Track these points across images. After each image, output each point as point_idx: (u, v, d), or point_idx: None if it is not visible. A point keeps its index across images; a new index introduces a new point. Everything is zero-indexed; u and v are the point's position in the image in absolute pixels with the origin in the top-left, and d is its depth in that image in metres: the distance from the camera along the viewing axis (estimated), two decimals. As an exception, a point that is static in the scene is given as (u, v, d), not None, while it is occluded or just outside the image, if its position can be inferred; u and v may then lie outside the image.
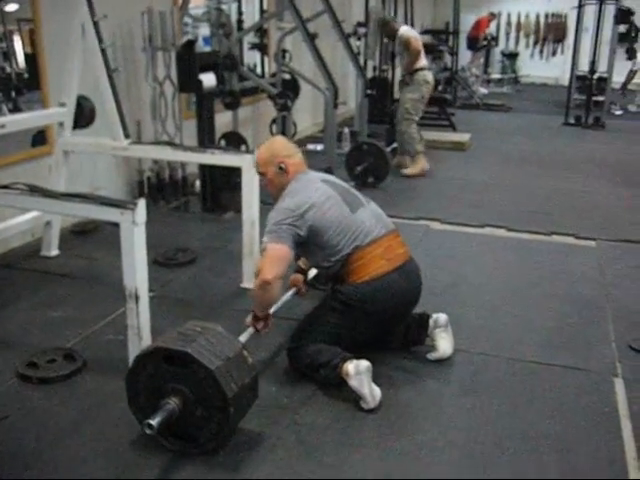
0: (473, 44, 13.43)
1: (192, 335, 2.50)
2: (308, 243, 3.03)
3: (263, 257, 2.95)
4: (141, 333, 2.90)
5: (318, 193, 3.08)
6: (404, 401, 2.96)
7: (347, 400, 2.92)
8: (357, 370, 2.82)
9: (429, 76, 7.00)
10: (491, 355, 3.37)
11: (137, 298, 2.84)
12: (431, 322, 3.26)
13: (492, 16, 14.96)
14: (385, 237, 3.12)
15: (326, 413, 2.84)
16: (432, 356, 3.27)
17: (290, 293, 3.46)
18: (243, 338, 2.89)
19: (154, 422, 2.32)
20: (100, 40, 4.13)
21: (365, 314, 3.03)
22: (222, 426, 2.45)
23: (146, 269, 2.89)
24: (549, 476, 2.50)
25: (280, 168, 3.13)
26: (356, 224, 3.07)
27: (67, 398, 2.89)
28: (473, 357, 3.34)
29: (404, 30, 7.12)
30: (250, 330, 3.01)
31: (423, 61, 7.05)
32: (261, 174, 3.26)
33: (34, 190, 2.96)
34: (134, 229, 2.74)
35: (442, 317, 3.27)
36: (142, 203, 2.76)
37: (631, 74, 12.28)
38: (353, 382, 2.83)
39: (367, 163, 6.38)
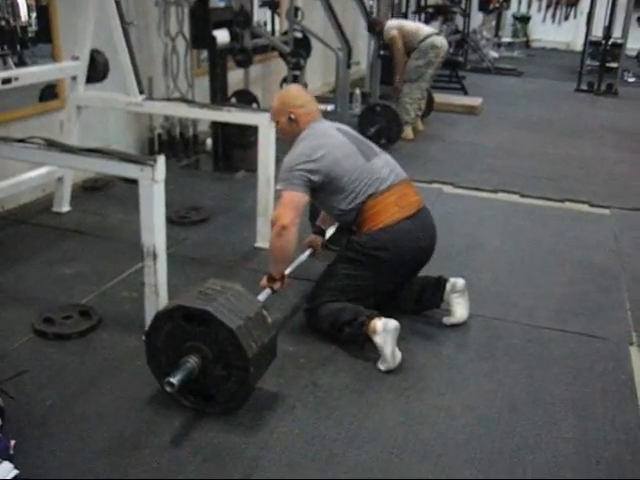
0: (485, 5, 13.17)
1: (212, 294, 2.48)
2: (323, 189, 3.02)
3: (278, 204, 2.96)
4: (158, 291, 2.87)
5: (333, 140, 3.07)
6: (421, 364, 2.96)
7: (365, 361, 2.93)
8: (385, 328, 2.83)
9: (437, 40, 6.80)
10: (507, 320, 3.36)
11: (155, 256, 2.81)
12: (448, 286, 3.24)
13: None
14: (398, 185, 3.11)
15: (344, 374, 2.84)
16: (448, 321, 3.26)
17: (306, 254, 3.43)
18: (262, 297, 2.87)
19: (174, 380, 2.31)
20: (115, -8, 4.04)
21: (382, 262, 3.02)
22: (241, 385, 2.45)
23: (164, 227, 2.85)
24: (567, 442, 2.50)
25: (290, 119, 3.11)
26: (370, 172, 3.06)
27: (84, 354, 2.89)
28: (489, 322, 3.34)
29: (386, 30, 6.90)
30: (267, 290, 2.99)
31: (424, 31, 6.90)
32: (275, 123, 3.29)
33: (51, 145, 2.91)
34: (153, 186, 2.70)
35: (460, 282, 3.24)
36: (162, 160, 2.72)
37: None
38: (378, 339, 2.83)
39: (380, 125, 6.31)
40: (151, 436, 2.42)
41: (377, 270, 3.05)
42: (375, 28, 7.12)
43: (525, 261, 4.09)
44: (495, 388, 2.81)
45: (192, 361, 2.40)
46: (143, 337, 2.61)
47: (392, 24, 6.97)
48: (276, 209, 2.99)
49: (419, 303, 3.30)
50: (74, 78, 4.20)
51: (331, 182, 3.00)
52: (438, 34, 7.02)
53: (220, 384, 2.46)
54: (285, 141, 3.24)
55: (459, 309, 3.25)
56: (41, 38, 4.73)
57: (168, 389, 2.33)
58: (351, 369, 2.88)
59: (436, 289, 3.26)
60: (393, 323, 2.84)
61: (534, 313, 3.45)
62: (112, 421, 2.49)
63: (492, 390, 2.80)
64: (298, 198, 2.92)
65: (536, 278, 3.86)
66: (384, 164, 3.16)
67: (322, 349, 3.01)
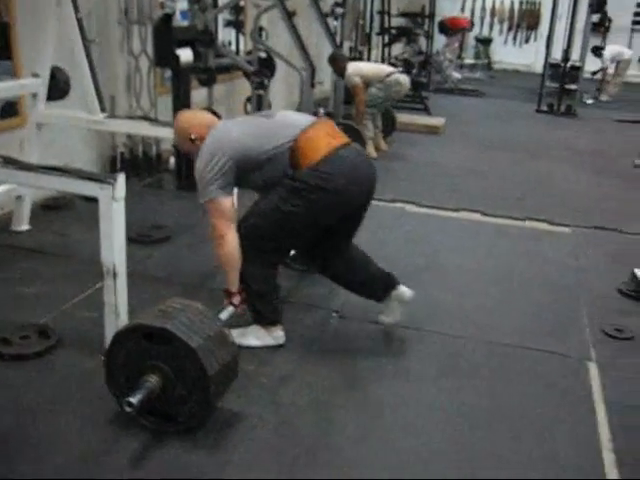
0: (445, 29, 13.40)
1: (172, 312, 2.46)
2: (247, 166, 2.93)
3: (208, 217, 2.93)
4: (118, 310, 2.84)
5: (224, 129, 3.02)
6: (382, 381, 2.96)
7: (326, 379, 2.93)
8: (274, 338, 3.12)
9: (401, 78, 6.94)
10: (467, 338, 3.39)
11: (115, 275, 2.78)
12: (394, 294, 3.28)
13: (467, 21, 14.85)
14: (322, 122, 3.12)
15: (305, 392, 2.83)
16: (384, 320, 3.35)
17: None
18: (223, 316, 2.85)
19: (134, 400, 2.29)
20: (76, 9, 4.02)
21: (324, 196, 2.90)
22: (202, 405, 2.43)
23: (124, 246, 2.83)
24: (528, 458, 2.52)
25: (191, 139, 3.05)
26: (281, 121, 3.06)
27: (42, 376, 2.84)
28: (450, 339, 3.36)
29: (348, 75, 6.95)
30: (230, 309, 2.97)
31: (385, 70, 7.02)
32: (185, 153, 3.26)
33: (9, 162, 2.87)
34: (113, 204, 2.68)
35: (407, 294, 3.29)
36: (122, 178, 2.70)
37: (603, 72, 12.36)
38: (264, 342, 3.11)
39: None
40: (111, 456, 2.38)
41: (311, 203, 2.91)
42: (336, 65, 7.10)
43: (486, 279, 4.13)
44: (457, 405, 2.82)
45: (152, 380, 2.37)
46: (102, 357, 2.57)
47: (354, 70, 7.00)
48: (210, 223, 2.95)
49: (363, 287, 3.32)
50: (34, 95, 4.15)
51: (246, 155, 2.91)
52: (402, 72, 7.14)
53: (181, 403, 2.44)
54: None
55: (396, 315, 3.34)
56: (1, 55, 4.69)
57: (128, 409, 2.30)
58: (312, 387, 2.87)
59: (385, 288, 3.30)
60: (281, 339, 3.14)
61: (495, 330, 3.48)
62: (71, 442, 2.44)
63: (454, 407, 2.81)
64: (223, 203, 2.88)
65: (497, 296, 3.90)
66: (292, 113, 3.25)
67: (283, 368, 3.00)
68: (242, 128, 3.03)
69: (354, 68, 7.10)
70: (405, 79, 7.03)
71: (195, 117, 3.20)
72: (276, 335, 3.15)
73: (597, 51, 12.08)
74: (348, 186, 2.94)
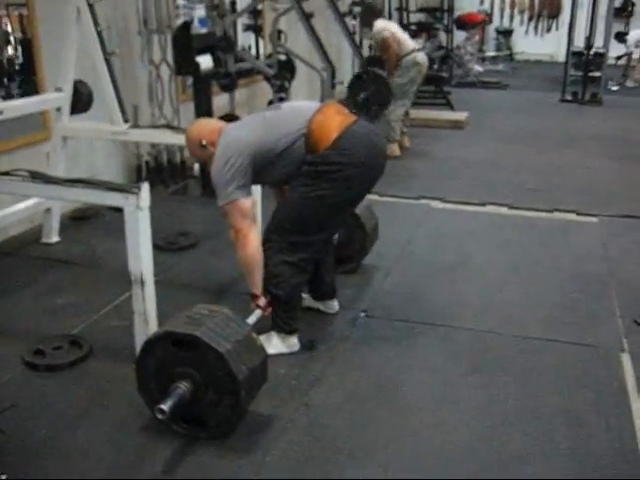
0: (463, 24, 13.34)
1: (200, 318, 2.48)
2: (263, 160, 2.94)
3: (229, 219, 2.94)
4: (147, 318, 2.88)
5: (233, 129, 3.05)
6: (413, 380, 2.96)
7: (356, 380, 2.94)
8: (289, 347, 3.14)
9: (419, 57, 6.89)
10: (498, 333, 3.36)
11: (143, 283, 2.82)
12: (323, 306, 3.52)
13: (485, 16, 14.81)
14: (327, 104, 3.13)
15: (336, 394, 2.84)
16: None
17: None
18: (251, 321, 2.87)
19: (165, 407, 2.31)
20: (96, 23, 4.07)
21: (352, 169, 2.92)
22: (233, 409, 2.45)
23: (151, 254, 2.86)
24: (562, 452, 2.50)
25: (202, 146, 3.06)
26: (289, 111, 3.08)
27: (75, 385, 2.88)
28: (479, 335, 3.34)
29: (378, 29, 6.91)
30: (257, 313, 2.99)
31: (409, 45, 6.96)
32: (200, 160, 3.28)
33: (36, 176, 2.92)
34: (138, 214, 2.72)
35: (335, 309, 3.54)
36: (146, 187, 2.73)
37: (627, 57, 12.19)
38: (278, 350, 3.11)
39: (369, 91, 6.29)
40: (145, 464, 2.41)
41: (339, 182, 2.92)
42: (367, 17, 7.11)
43: (515, 272, 4.10)
44: (488, 401, 2.81)
45: (183, 387, 2.40)
46: (133, 365, 2.60)
47: (382, 26, 6.96)
48: (229, 226, 2.96)
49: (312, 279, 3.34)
50: (58, 109, 4.22)
51: (261, 150, 2.92)
52: (419, 50, 7.08)
53: (212, 409, 2.46)
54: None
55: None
56: (26, 71, 4.77)
57: (159, 416, 2.32)
58: (342, 388, 2.88)
59: (323, 293, 3.49)
60: (296, 347, 3.17)
61: (524, 324, 3.46)
62: (105, 451, 2.48)
63: (485, 403, 2.80)
64: (241, 205, 2.88)
65: (526, 289, 3.87)
66: (298, 102, 3.33)
67: (313, 370, 3.01)
68: (252, 125, 3.04)
69: (384, 24, 7.03)
70: (423, 57, 6.98)
71: (204, 124, 3.23)
72: (291, 343, 3.16)
73: (620, 37, 11.91)
74: (369, 158, 2.98)
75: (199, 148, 3.07)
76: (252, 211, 2.95)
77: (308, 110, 3.00)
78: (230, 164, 2.87)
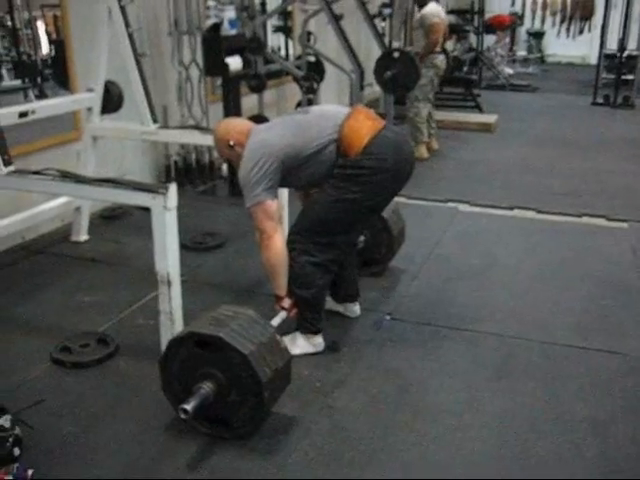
0: (492, 29, 13.27)
1: (225, 320, 2.49)
2: (292, 163, 2.95)
3: (254, 221, 2.95)
4: (173, 318, 2.90)
5: (263, 130, 3.06)
6: (437, 385, 2.94)
7: (380, 383, 2.93)
8: (315, 346, 3.14)
9: (438, 60, 6.87)
10: (524, 338, 3.33)
11: (169, 283, 2.84)
12: (348, 306, 3.51)
13: (514, 17, 14.72)
14: (357, 108, 3.12)
15: (359, 396, 2.83)
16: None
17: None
18: (275, 322, 2.88)
19: (189, 407, 2.32)
20: (127, 24, 4.12)
21: (375, 175, 2.94)
22: (256, 410, 2.46)
23: (178, 254, 2.88)
24: (588, 461, 2.47)
25: (230, 146, 3.08)
26: (319, 115, 3.08)
27: (101, 382, 2.91)
28: (506, 340, 3.31)
29: (432, 12, 6.85)
30: (282, 314, 3.00)
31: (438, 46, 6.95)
32: (226, 160, 3.26)
33: (66, 176, 2.96)
34: (166, 214, 2.74)
35: (357, 313, 3.52)
36: (173, 187, 2.76)
37: None
38: (304, 349, 3.12)
39: (396, 70, 6.25)
40: (168, 462, 2.43)
41: (369, 186, 2.95)
42: None
43: (543, 277, 4.06)
44: (513, 407, 2.78)
45: (206, 387, 2.41)
46: (159, 364, 2.62)
47: (435, 10, 6.88)
48: (255, 227, 2.98)
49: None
50: (89, 109, 4.27)
51: (292, 151, 2.93)
52: (441, 53, 7.05)
53: (235, 410, 2.47)
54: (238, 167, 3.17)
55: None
56: (59, 71, 4.84)
57: (183, 416, 2.34)
58: (366, 391, 2.87)
59: (344, 296, 3.49)
60: (322, 346, 3.17)
61: (552, 330, 3.42)
62: (129, 448, 2.50)
63: (510, 409, 2.77)
64: (266, 207, 2.90)
65: (554, 294, 3.83)
66: (327, 106, 3.33)
67: (337, 372, 3.01)
68: (282, 127, 3.05)
69: (438, 9, 6.96)
70: (442, 60, 6.94)
71: (232, 124, 3.24)
72: (316, 342, 3.17)
73: None
74: (399, 163, 3.00)
75: (227, 148, 3.10)
76: (278, 213, 2.97)
77: (338, 115, 3.01)
78: (258, 167, 2.88)
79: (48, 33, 4.97)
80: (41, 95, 4.82)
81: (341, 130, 2.93)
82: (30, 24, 4.79)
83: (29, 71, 4.83)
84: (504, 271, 4.16)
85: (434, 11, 6.88)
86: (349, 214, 3.00)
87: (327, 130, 2.95)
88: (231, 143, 3.07)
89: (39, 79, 4.97)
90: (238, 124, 3.21)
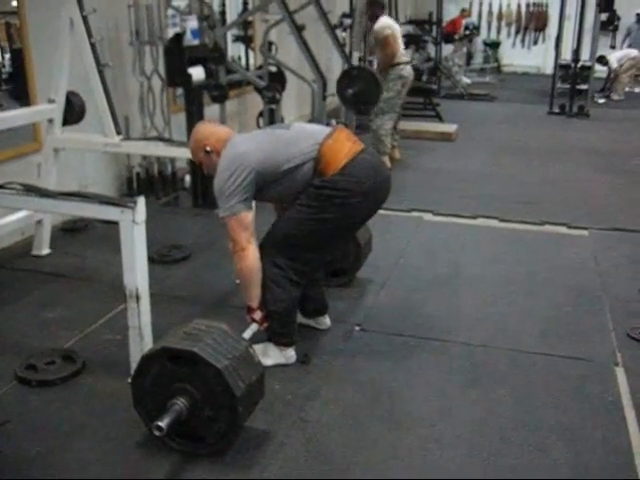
0: (449, 39, 13.48)
1: (198, 334, 2.47)
2: (267, 178, 2.94)
3: (228, 231, 2.93)
4: (142, 333, 2.85)
5: (241, 141, 3.04)
6: (409, 395, 2.95)
7: (352, 394, 2.92)
8: (286, 358, 3.14)
9: (405, 71, 6.93)
10: (492, 347, 3.37)
11: (138, 298, 2.79)
12: (314, 322, 3.49)
13: (465, 12, 15.16)
14: (338, 129, 3.11)
15: (332, 409, 2.82)
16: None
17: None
18: (247, 335, 2.86)
19: (163, 424, 2.29)
20: (89, 35, 4.07)
21: (351, 198, 2.93)
22: (230, 425, 2.43)
23: (146, 268, 2.84)
24: (559, 467, 2.50)
25: (206, 151, 3.07)
26: (299, 132, 3.08)
27: (69, 400, 2.85)
28: (474, 349, 3.34)
29: (382, 25, 6.92)
30: (253, 327, 2.98)
31: (401, 55, 7.00)
32: (198, 163, 3.22)
33: (30, 190, 2.90)
34: (134, 228, 2.70)
35: (327, 325, 3.51)
36: (142, 201, 2.72)
37: (613, 74, 12.34)
38: (276, 360, 3.12)
39: (357, 87, 6.32)
40: (141, 481, 2.39)
41: (344, 208, 2.95)
42: (372, 10, 7.11)
43: (507, 286, 4.11)
44: (484, 416, 2.81)
45: (180, 403, 2.38)
46: (129, 380, 2.58)
47: (386, 23, 6.96)
48: (229, 238, 2.96)
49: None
50: (51, 121, 4.20)
51: (267, 167, 2.92)
52: (407, 63, 7.11)
53: (209, 425, 2.44)
54: (212, 174, 3.12)
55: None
56: (16, 80, 4.75)
57: (157, 433, 2.30)
58: (338, 403, 2.86)
59: (314, 310, 3.47)
60: (293, 358, 3.16)
61: (518, 338, 3.46)
62: (100, 467, 2.45)
63: (481, 418, 2.79)
64: (242, 218, 2.89)
65: (519, 302, 3.88)
66: (306, 124, 3.33)
67: (309, 384, 2.99)
68: (261, 140, 3.04)
69: (389, 22, 7.03)
70: (410, 71, 7.03)
71: (212, 130, 3.18)
72: (288, 355, 3.16)
73: (602, 60, 11.94)
74: (375, 187, 3.01)
75: (202, 152, 3.07)
76: (252, 224, 2.95)
77: (319, 133, 3.02)
78: (234, 177, 2.87)
79: (10, 41, 4.87)
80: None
81: (320, 149, 2.94)
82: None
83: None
84: (469, 280, 4.20)
85: (384, 24, 6.95)
86: (321, 233, 3.00)
87: (307, 148, 2.94)
88: (208, 149, 3.05)
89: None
90: (219, 131, 3.16)
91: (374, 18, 7.07)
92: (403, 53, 7.11)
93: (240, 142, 3.02)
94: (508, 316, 3.70)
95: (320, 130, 3.08)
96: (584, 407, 2.88)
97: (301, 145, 2.96)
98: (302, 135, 3.03)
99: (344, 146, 2.99)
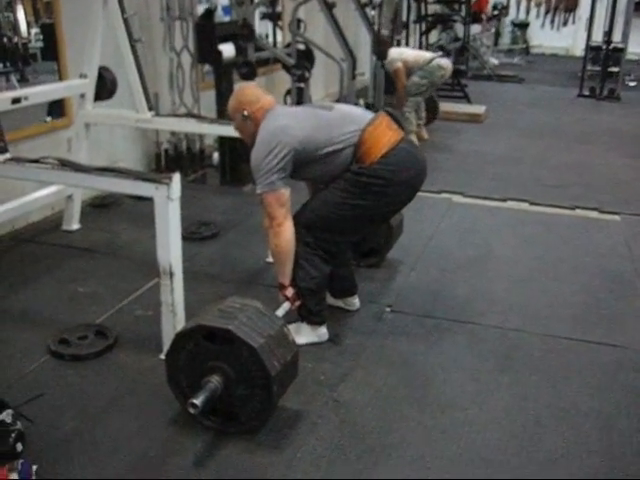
0: (476, 18, 13.26)
1: (233, 312, 2.45)
2: (306, 158, 2.91)
3: (264, 208, 2.91)
4: (175, 310, 2.85)
5: (284, 116, 2.98)
6: (442, 378, 2.93)
7: (385, 376, 2.91)
8: (319, 336, 3.15)
9: (443, 62, 6.87)
10: (525, 331, 3.33)
11: (172, 274, 2.79)
12: (344, 303, 3.48)
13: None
14: (380, 116, 3.05)
15: (365, 389, 2.81)
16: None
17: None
18: (279, 313, 2.84)
19: (198, 401, 2.28)
20: (123, 10, 4.03)
21: (390, 187, 2.92)
22: (264, 404, 2.43)
23: (180, 245, 2.83)
24: (594, 454, 2.47)
25: (244, 116, 3.01)
26: (342, 115, 3.02)
27: (101, 375, 2.86)
28: (507, 333, 3.31)
29: (391, 58, 6.92)
30: (285, 306, 2.96)
31: (426, 55, 6.97)
32: (233, 124, 3.15)
33: (65, 165, 2.89)
34: (169, 204, 2.69)
35: (356, 306, 3.50)
36: (177, 177, 2.71)
37: None
38: (309, 339, 3.13)
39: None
40: (174, 457, 2.39)
41: (380, 196, 2.93)
42: (380, 48, 7.10)
43: (538, 270, 4.06)
44: (518, 401, 2.78)
45: (215, 381, 2.37)
46: (161, 357, 2.58)
47: (395, 55, 6.97)
48: (265, 214, 2.94)
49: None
50: (82, 96, 4.18)
51: (307, 147, 2.88)
52: (442, 56, 7.04)
53: (243, 404, 2.43)
54: (246, 140, 3.11)
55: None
56: (46, 55, 4.74)
57: (192, 411, 2.30)
58: (371, 384, 2.85)
59: (342, 291, 3.46)
60: (326, 336, 3.17)
61: (551, 323, 3.42)
62: (134, 443, 2.46)
63: (515, 403, 2.76)
64: (279, 195, 2.85)
65: (551, 287, 3.83)
66: (348, 106, 3.25)
67: (341, 365, 2.98)
68: (302, 118, 2.99)
69: (396, 53, 7.04)
70: (447, 63, 6.96)
71: (257, 95, 3.06)
72: (320, 332, 3.16)
73: None
74: (412, 177, 2.99)
75: (240, 115, 3.02)
76: (289, 201, 2.91)
77: (361, 119, 2.98)
78: (274, 154, 2.83)
79: (36, 15, 4.85)
80: (22, 80, 4.70)
81: (362, 135, 2.90)
82: (10, 7, 4.67)
83: (10, 55, 4.71)
84: (500, 263, 4.16)
85: (395, 56, 6.95)
86: (355, 218, 2.99)
87: (349, 133, 2.91)
88: (245, 113, 3.00)
89: (20, 64, 4.84)
90: (263, 98, 3.05)
91: (383, 55, 7.04)
92: (427, 55, 7.06)
93: (281, 116, 2.97)
94: (540, 300, 3.66)
95: (362, 115, 3.03)
96: (619, 394, 2.84)
97: (343, 129, 2.92)
98: (345, 119, 2.98)
99: (385, 134, 2.94)
